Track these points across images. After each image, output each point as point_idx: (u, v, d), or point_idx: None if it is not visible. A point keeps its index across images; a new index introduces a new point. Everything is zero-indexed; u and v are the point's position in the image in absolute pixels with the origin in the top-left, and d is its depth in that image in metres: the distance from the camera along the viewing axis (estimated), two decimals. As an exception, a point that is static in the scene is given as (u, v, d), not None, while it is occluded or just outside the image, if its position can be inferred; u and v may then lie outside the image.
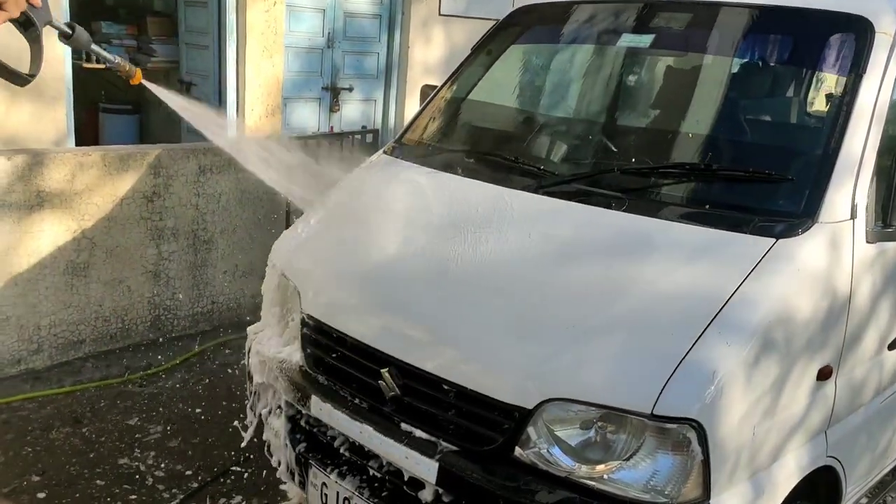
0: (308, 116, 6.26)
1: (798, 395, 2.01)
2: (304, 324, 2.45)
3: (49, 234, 3.72)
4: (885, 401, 2.51)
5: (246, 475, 3.20)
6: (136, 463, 3.24)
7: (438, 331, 2.14)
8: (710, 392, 1.78)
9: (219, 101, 5.74)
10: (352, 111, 6.58)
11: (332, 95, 6.37)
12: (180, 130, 6.40)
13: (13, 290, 3.65)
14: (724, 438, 1.81)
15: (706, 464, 1.79)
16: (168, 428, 3.52)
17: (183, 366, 4.12)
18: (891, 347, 2.42)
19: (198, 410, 3.69)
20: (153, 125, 6.96)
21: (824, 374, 2.07)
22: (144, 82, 1.78)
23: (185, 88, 6.18)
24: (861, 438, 2.41)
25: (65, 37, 1.66)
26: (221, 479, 3.16)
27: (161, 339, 4.29)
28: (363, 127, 6.45)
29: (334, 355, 2.36)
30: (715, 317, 1.84)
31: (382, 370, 2.18)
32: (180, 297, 4.30)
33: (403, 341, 2.18)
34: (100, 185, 3.83)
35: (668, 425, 1.78)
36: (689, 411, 1.77)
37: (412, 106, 6.82)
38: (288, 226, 4.35)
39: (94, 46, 1.67)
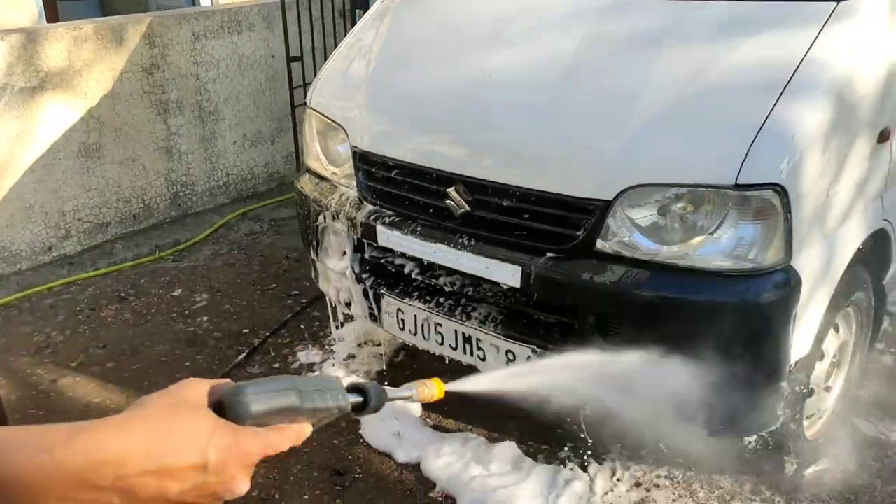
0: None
1: (862, 158, 2.07)
2: (356, 159, 2.44)
3: (56, 115, 3.60)
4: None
5: (303, 326, 3.29)
6: (192, 328, 3.31)
7: (505, 141, 2.14)
8: (789, 156, 1.83)
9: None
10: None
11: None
12: (147, 9, 6.08)
13: (31, 176, 3.57)
14: (803, 201, 1.87)
15: (788, 226, 1.86)
16: (213, 295, 3.57)
17: (210, 238, 4.13)
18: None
19: (237, 278, 3.73)
20: (116, 8, 6.61)
21: (884, 136, 2.13)
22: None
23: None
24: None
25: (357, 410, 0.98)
26: (281, 332, 3.25)
27: (183, 216, 4.27)
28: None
29: (393, 185, 2.37)
30: (788, 82, 1.86)
31: (449, 189, 2.20)
32: (195, 171, 4.24)
33: (468, 157, 2.19)
34: (97, 60, 3.67)
35: (752, 193, 1.83)
36: (771, 176, 1.82)
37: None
38: (292, 87, 4.25)
39: (390, 395, 1.00)
